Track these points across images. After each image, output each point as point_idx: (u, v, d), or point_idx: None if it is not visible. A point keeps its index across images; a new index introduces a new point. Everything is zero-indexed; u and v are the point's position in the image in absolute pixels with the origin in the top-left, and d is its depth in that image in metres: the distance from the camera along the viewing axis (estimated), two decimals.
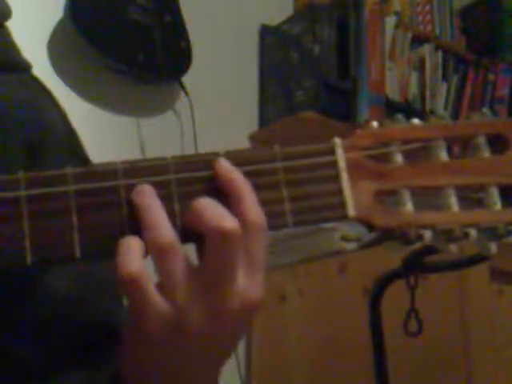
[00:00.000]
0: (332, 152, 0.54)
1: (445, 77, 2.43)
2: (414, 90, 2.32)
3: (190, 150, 1.97)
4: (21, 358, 0.63)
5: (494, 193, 0.54)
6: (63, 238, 0.50)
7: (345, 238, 1.85)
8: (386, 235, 0.53)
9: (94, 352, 0.65)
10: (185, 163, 0.53)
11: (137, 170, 0.52)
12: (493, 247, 0.53)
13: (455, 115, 2.38)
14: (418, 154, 0.54)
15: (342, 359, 1.78)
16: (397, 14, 2.34)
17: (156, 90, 2.00)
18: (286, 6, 2.33)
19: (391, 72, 2.23)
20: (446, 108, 2.39)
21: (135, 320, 0.52)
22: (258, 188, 0.53)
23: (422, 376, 1.65)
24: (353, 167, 0.54)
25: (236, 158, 0.53)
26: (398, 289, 1.34)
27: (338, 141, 0.54)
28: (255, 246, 0.51)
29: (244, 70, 2.22)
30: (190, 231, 0.51)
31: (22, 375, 0.63)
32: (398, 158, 0.54)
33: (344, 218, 0.53)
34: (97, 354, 0.65)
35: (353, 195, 0.53)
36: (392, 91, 2.21)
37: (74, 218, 0.51)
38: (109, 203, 0.51)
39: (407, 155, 0.54)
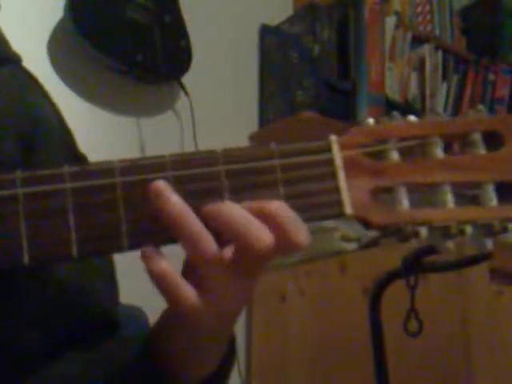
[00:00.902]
0: (328, 149, 0.54)
1: (445, 77, 2.42)
2: (414, 90, 2.32)
3: (189, 150, 1.96)
4: (23, 343, 0.64)
5: (490, 189, 0.54)
6: (60, 237, 0.50)
7: (345, 238, 1.85)
8: (384, 233, 0.53)
9: (93, 338, 0.66)
10: (183, 161, 0.53)
11: (134, 168, 0.52)
12: (489, 243, 0.53)
13: (455, 115, 2.38)
14: (414, 150, 0.54)
15: (341, 359, 1.78)
16: (397, 14, 2.34)
17: (156, 90, 2.00)
18: (286, 6, 2.33)
19: (391, 72, 2.23)
20: (445, 108, 2.39)
21: (181, 323, 0.54)
22: (255, 186, 0.53)
23: (422, 376, 1.65)
24: (349, 165, 0.54)
25: (233, 156, 0.53)
26: (398, 289, 1.34)
27: (334, 138, 0.55)
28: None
29: (244, 70, 2.22)
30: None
31: (24, 360, 0.64)
32: (394, 155, 0.54)
33: (341, 215, 0.53)
34: (96, 340, 0.66)
35: (349, 193, 0.53)
36: (392, 91, 2.21)
37: (71, 217, 0.51)
38: (106, 201, 0.51)
39: (403, 152, 0.54)
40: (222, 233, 0.51)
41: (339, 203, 0.53)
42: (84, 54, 1.86)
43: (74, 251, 0.50)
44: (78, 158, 0.74)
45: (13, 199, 0.50)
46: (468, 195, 0.53)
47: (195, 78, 2.00)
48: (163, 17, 1.94)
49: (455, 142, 0.55)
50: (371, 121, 0.54)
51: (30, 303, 0.65)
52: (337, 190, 0.53)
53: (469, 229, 0.53)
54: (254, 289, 0.54)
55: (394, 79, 2.24)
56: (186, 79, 1.99)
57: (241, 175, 0.53)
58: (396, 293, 1.34)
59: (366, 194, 0.53)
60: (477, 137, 0.55)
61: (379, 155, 0.54)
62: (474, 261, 1.30)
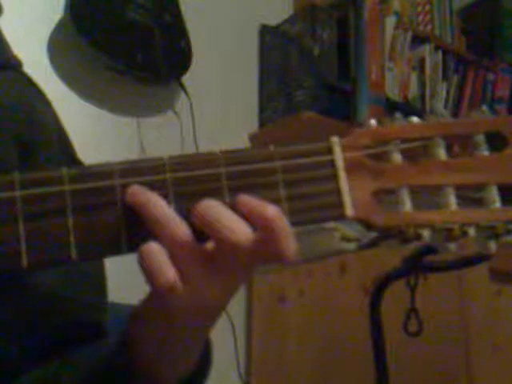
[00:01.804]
0: (330, 151, 0.54)
1: (445, 77, 2.42)
2: (414, 89, 2.32)
3: (189, 150, 1.97)
4: (4, 354, 0.63)
5: (493, 191, 0.53)
6: (59, 240, 0.50)
7: (345, 238, 1.85)
8: (385, 235, 0.52)
9: (79, 347, 0.65)
10: (182, 163, 0.53)
11: (133, 171, 0.52)
12: (492, 246, 0.53)
13: (455, 115, 2.38)
14: (417, 152, 0.54)
15: (342, 359, 1.78)
16: (397, 14, 2.33)
17: (156, 90, 2.00)
18: (286, 6, 2.33)
19: (391, 72, 2.23)
20: (446, 108, 2.39)
21: (160, 307, 0.54)
22: (255, 188, 0.53)
23: (422, 376, 1.65)
24: (351, 166, 0.53)
25: (234, 158, 0.53)
26: (398, 289, 1.34)
27: (335, 140, 0.54)
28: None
29: (244, 69, 2.22)
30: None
31: (5, 371, 0.63)
32: (397, 157, 0.54)
33: (342, 217, 0.53)
34: (80, 350, 0.65)
35: (351, 195, 0.53)
36: (392, 91, 2.21)
37: (70, 219, 0.50)
38: (105, 204, 0.51)
39: (406, 154, 0.54)
40: (203, 230, 0.51)
41: (340, 205, 0.53)
42: (84, 54, 1.85)
43: (74, 254, 0.50)
44: (76, 164, 0.74)
45: (10, 202, 0.50)
46: (471, 197, 0.53)
47: (195, 78, 2.00)
48: (163, 17, 1.94)
49: (455, 143, 0.55)
50: (373, 122, 0.54)
51: (12, 313, 0.64)
52: (338, 191, 0.53)
53: (472, 231, 0.52)
54: (235, 290, 0.54)
55: (394, 79, 2.24)
56: (186, 79, 1.99)
57: (241, 177, 0.53)
58: (396, 293, 1.34)
59: (368, 196, 0.53)
60: (480, 138, 0.54)
61: (381, 157, 0.54)
62: (474, 261, 1.30)
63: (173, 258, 0.51)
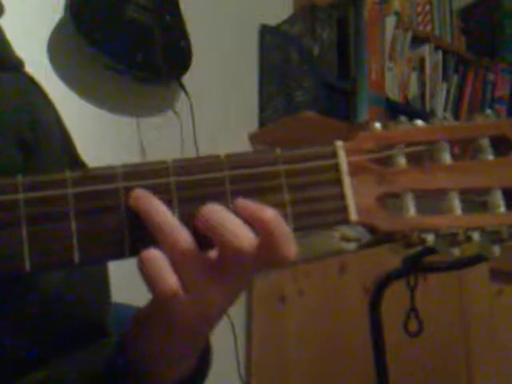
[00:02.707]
0: (334, 155, 0.54)
1: (445, 77, 2.42)
2: (414, 89, 2.32)
3: (189, 150, 1.97)
4: (10, 352, 0.64)
5: (498, 196, 0.53)
6: (62, 243, 0.50)
7: (345, 238, 1.85)
8: (389, 239, 0.52)
9: (82, 348, 0.65)
10: (185, 166, 0.52)
11: (136, 174, 0.52)
12: (496, 250, 0.53)
13: (455, 115, 2.38)
14: (422, 156, 0.54)
15: (342, 359, 1.78)
16: (397, 14, 2.33)
17: (156, 90, 2.00)
18: (286, 6, 2.33)
19: (391, 72, 2.23)
20: (445, 108, 2.39)
21: (163, 314, 0.53)
22: (259, 191, 0.52)
23: (422, 376, 1.65)
24: (355, 171, 0.53)
25: (238, 162, 0.53)
26: (398, 289, 1.34)
27: (340, 144, 0.54)
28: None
29: (244, 69, 2.22)
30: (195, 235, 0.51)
31: (11, 368, 0.63)
32: (401, 161, 0.54)
33: (346, 222, 0.53)
34: (85, 349, 0.65)
35: (355, 199, 0.53)
36: (392, 91, 2.21)
37: (73, 223, 0.50)
38: (108, 207, 0.51)
39: (410, 158, 0.54)
40: (206, 234, 0.51)
41: (345, 210, 0.53)
42: (84, 54, 1.85)
43: (77, 258, 0.50)
44: (79, 165, 0.74)
45: (14, 205, 0.50)
46: (476, 201, 0.52)
47: (195, 78, 2.00)
48: (163, 17, 1.94)
49: (459, 146, 0.55)
50: (378, 125, 0.54)
51: (18, 314, 0.65)
52: (342, 196, 0.53)
53: (476, 236, 0.52)
54: (237, 295, 0.54)
55: (394, 79, 2.24)
56: (186, 79, 1.99)
57: (245, 181, 0.52)
58: (396, 293, 1.34)
59: (372, 201, 0.53)
60: (485, 142, 0.54)
61: (386, 161, 0.54)
62: (474, 261, 1.30)
63: (174, 265, 0.51)
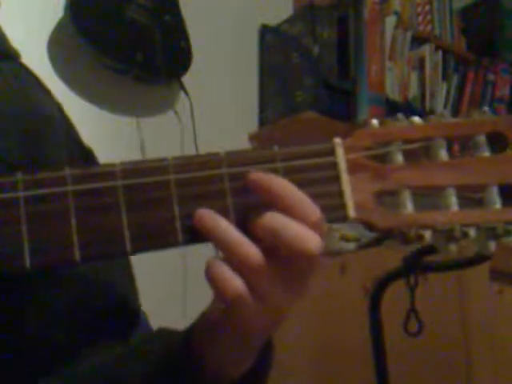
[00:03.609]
0: (332, 153, 0.54)
1: (445, 77, 2.43)
2: (414, 89, 2.32)
3: (189, 150, 1.97)
4: (48, 341, 0.65)
5: (494, 192, 0.53)
6: (62, 241, 0.50)
7: (345, 238, 1.85)
8: (386, 235, 0.52)
9: (118, 329, 0.66)
10: (185, 164, 0.53)
11: (136, 171, 0.52)
12: (492, 246, 0.53)
13: (455, 115, 2.37)
14: (419, 153, 0.54)
15: (341, 359, 1.78)
16: (397, 13, 2.34)
17: (156, 90, 2.00)
18: (286, 6, 2.33)
19: (391, 72, 2.23)
20: (445, 108, 2.39)
21: (232, 322, 0.53)
22: None
23: (422, 376, 1.65)
24: (353, 168, 0.53)
25: (236, 159, 0.53)
26: (398, 289, 1.34)
27: (338, 141, 0.54)
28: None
29: (244, 69, 2.22)
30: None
31: (52, 358, 0.64)
32: (399, 158, 0.54)
33: (344, 219, 0.53)
34: (121, 330, 0.66)
35: (353, 196, 0.53)
36: (392, 91, 2.21)
37: (73, 220, 0.50)
38: (108, 204, 0.51)
39: (407, 155, 0.54)
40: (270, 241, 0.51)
41: (343, 207, 0.53)
42: (84, 54, 1.85)
43: (77, 255, 0.50)
44: (84, 150, 0.74)
45: (14, 203, 0.50)
46: (472, 198, 0.53)
47: (195, 78, 2.00)
48: (163, 17, 1.94)
49: (457, 143, 0.55)
50: (375, 122, 0.54)
51: (53, 301, 0.65)
52: (340, 193, 0.53)
53: (472, 232, 0.53)
54: (304, 292, 0.54)
55: (394, 79, 2.24)
56: (186, 79, 1.99)
57: (244, 178, 0.53)
58: (396, 293, 1.34)
59: (370, 197, 0.53)
60: (481, 139, 0.54)
61: (383, 158, 0.54)
62: (474, 261, 1.30)
63: (243, 277, 0.51)
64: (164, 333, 0.63)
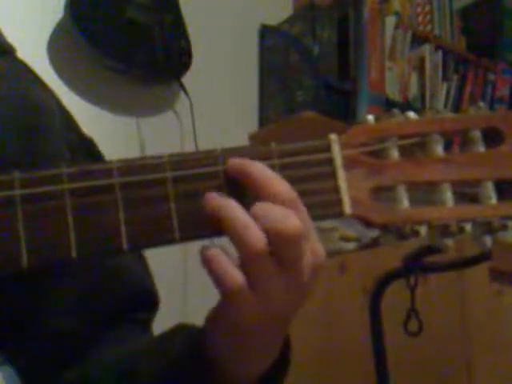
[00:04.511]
0: (328, 149, 0.54)
1: (445, 77, 2.42)
2: (414, 90, 2.32)
3: (189, 150, 1.96)
4: (64, 330, 0.65)
5: (490, 187, 0.54)
6: (59, 239, 0.50)
7: (345, 238, 1.85)
8: (383, 231, 0.52)
9: (137, 316, 0.67)
10: (182, 161, 0.53)
11: (132, 169, 0.52)
12: (488, 241, 0.53)
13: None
14: (414, 148, 0.54)
15: (342, 359, 1.78)
16: (397, 14, 2.33)
17: (156, 90, 2.00)
18: (286, 6, 2.33)
19: (391, 72, 2.23)
20: (446, 108, 2.39)
21: (230, 315, 0.53)
22: None
23: (422, 376, 1.65)
24: (349, 164, 0.53)
25: (233, 156, 0.53)
26: (398, 289, 1.34)
27: (334, 137, 0.54)
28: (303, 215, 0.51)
29: (244, 69, 2.22)
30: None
31: (67, 346, 0.65)
32: (394, 154, 0.54)
33: (341, 215, 0.53)
34: (137, 318, 0.67)
35: (349, 192, 0.53)
36: (392, 91, 2.21)
37: (70, 218, 0.50)
38: (104, 202, 0.51)
39: (403, 150, 0.54)
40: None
41: (339, 203, 0.53)
42: (84, 54, 1.86)
43: (74, 253, 0.50)
44: (85, 140, 0.74)
45: (10, 201, 0.50)
46: (467, 193, 0.53)
47: (195, 78, 2.00)
48: (163, 17, 1.94)
49: (456, 139, 0.55)
50: (371, 118, 0.54)
51: (66, 290, 0.66)
52: (336, 189, 0.53)
53: (468, 227, 0.53)
54: (308, 290, 0.54)
55: (394, 79, 2.24)
56: (186, 79, 1.99)
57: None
58: (396, 293, 1.34)
59: (366, 193, 0.53)
60: (476, 134, 0.54)
61: (379, 153, 0.54)
62: (474, 261, 1.30)
63: (243, 263, 0.50)
64: (183, 330, 0.63)
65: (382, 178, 0.53)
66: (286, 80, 2.14)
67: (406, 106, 2.24)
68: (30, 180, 0.51)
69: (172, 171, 0.52)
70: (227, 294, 0.51)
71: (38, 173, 0.51)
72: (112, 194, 0.51)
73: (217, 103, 2.12)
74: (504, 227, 0.52)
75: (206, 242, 0.52)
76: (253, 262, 0.50)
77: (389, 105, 2.15)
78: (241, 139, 2.12)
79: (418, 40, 2.38)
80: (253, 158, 0.53)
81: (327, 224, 1.80)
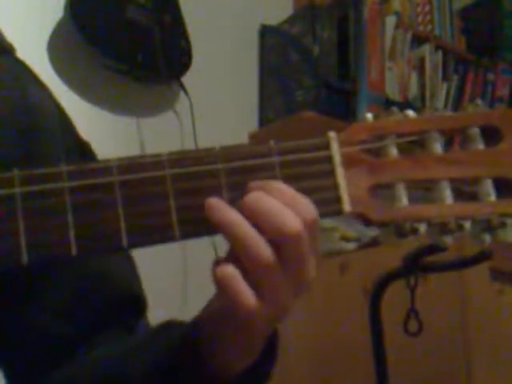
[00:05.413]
0: (327, 147, 0.54)
1: (445, 77, 2.42)
2: (414, 90, 2.32)
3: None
4: (51, 332, 0.65)
5: (488, 185, 0.54)
6: (59, 236, 0.50)
7: (345, 238, 1.85)
8: (382, 228, 0.53)
9: (124, 318, 0.67)
10: (181, 159, 0.53)
11: (132, 167, 0.52)
12: (487, 238, 0.53)
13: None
14: (413, 146, 0.54)
15: (342, 359, 1.78)
16: (397, 14, 2.33)
17: (156, 90, 2.00)
18: (286, 6, 2.33)
19: (391, 72, 2.23)
20: (446, 108, 2.39)
21: (235, 320, 0.53)
22: None
23: (422, 376, 1.65)
24: (348, 162, 0.54)
25: (232, 154, 0.53)
26: (398, 289, 1.34)
27: (333, 135, 0.54)
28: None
29: (244, 69, 2.22)
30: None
31: (53, 350, 0.65)
32: (393, 151, 0.54)
33: (339, 213, 0.53)
34: (126, 320, 0.67)
35: (348, 190, 0.53)
36: (392, 91, 2.21)
37: (70, 216, 0.50)
38: (104, 200, 0.51)
39: (402, 148, 0.54)
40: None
41: (338, 201, 0.53)
42: (84, 54, 1.86)
43: (73, 250, 0.50)
44: (81, 143, 0.74)
45: (10, 199, 0.50)
46: (466, 191, 0.53)
47: (195, 78, 2.00)
48: (163, 17, 1.94)
49: (456, 137, 0.55)
50: (370, 116, 0.54)
51: (53, 292, 0.66)
52: (335, 187, 0.53)
53: (467, 224, 0.53)
54: (305, 287, 0.54)
55: (394, 79, 2.24)
56: (186, 79, 1.99)
57: (239, 173, 0.53)
58: (396, 293, 1.34)
59: (365, 191, 0.53)
60: (475, 132, 0.55)
61: (378, 151, 0.54)
62: (474, 261, 1.30)
63: (254, 277, 0.51)
64: (169, 327, 0.63)
65: (381, 175, 0.53)
66: (286, 80, 2.14)
67: (406, 106, 2.24)
68: (30, 178, 0.51)
69: (171, 169, 0.52)
70: (241, 311, 0.51)
71: (38, 171, 0.51)
72: (111, 192, 0.51)
73: (217, 103, 2.12)
74: (503, 225, 0.52)
75: (205, 240, 0.52)
76: (264, 274, 0.50)
77: (389, 105, 2.15)
78: (241, 139, 2.12)
79: (418, 40, 2.38)
80: (252, 155, 0.53)
81: (327, 224, 1.80)
